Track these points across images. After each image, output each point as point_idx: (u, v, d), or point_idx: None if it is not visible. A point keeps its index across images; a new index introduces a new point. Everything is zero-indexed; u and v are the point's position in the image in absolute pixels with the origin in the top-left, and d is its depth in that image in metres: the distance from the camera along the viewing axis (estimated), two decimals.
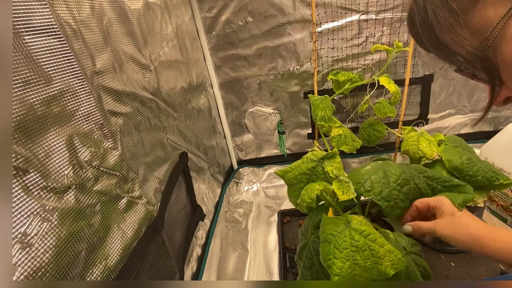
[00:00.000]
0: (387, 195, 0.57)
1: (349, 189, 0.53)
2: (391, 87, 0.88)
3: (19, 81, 0.36)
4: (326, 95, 0.94)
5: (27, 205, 0.35)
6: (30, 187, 0.36)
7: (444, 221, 0.52)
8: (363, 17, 1.08)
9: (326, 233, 0.52)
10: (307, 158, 0.68)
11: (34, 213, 0.36)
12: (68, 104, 0.43)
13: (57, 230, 0.38)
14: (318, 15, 1.06)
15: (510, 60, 0.30)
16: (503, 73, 0.32)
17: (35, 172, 0.36)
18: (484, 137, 1.25)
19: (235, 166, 1.40)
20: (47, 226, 0.37)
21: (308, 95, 1.02)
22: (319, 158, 0.67)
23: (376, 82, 0.90)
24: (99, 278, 0.45)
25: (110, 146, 0.51)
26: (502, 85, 0.33)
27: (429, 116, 1.26)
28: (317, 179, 0.65)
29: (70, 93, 0.43)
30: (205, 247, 0.97)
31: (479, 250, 0.48)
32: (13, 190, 0.34)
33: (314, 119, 0.94)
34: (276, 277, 0.88)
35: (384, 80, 0.89)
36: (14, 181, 0.34)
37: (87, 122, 0.46)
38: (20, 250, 0.33)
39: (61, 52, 0.42)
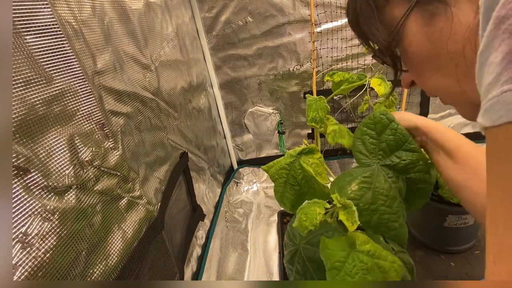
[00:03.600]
0: (376, 223, 0.54)
1: (355, 215, 0.48)
2: (381, 89, 0.83)
3: (20, 81, 0.36)
4: (322, 96, 0.93)
5: (28, 204, 0.35)
6: (31, 187, 0.36)
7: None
8: None
9: (332, 260, 0.49)
10: (289, 154, 0.68)
11: (35, 212, 0.36)
12: (69, 104, 0.43)
13: (58, 230, 0.38)
14: (317, 15, 1.06)
15: (408, 52, 0.37)
16: (404, 62, 0.40)
17: (36, 172, 0.36)
18: (484, 137, 1.25)
19: (235, 166, 1.40)
20: (48, 226, 0.37)
21: (306, 95, 1.01)
22: (297, 153, 0.66)
23: (368, 83, 0.86)
24: (99, 278, 0.45)
25: (111, 146, 0.51)
26: (406, 72, 0.41)
27: (429, 116, 1.26)
28: (295, 175, 0.64)
29: (71, 93, 0.43)
30: (205, 247, 0.97)
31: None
32: (14, 190, 0.34)
33: (306, 120, 0.93)
34: (276, 277, 0.88)
35: (375, 82, 0.84)
36: (15, 180, 0.34)
37: (88, 122, 0.46)
38: (20, 250, 0.33)
39: (62, 52, 0.42)
